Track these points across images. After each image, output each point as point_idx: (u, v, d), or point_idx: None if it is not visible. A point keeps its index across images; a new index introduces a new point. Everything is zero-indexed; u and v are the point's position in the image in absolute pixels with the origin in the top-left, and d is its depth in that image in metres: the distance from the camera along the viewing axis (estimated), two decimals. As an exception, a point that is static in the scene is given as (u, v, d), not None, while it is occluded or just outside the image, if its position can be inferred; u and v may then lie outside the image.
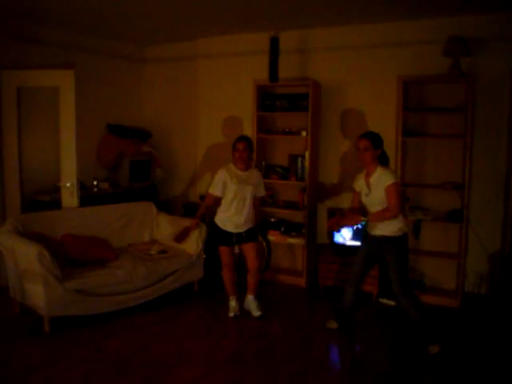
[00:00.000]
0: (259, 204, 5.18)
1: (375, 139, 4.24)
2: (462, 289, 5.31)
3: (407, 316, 4.27)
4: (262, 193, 5.09)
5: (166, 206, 6.84)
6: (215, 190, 4.89)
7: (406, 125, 5.49)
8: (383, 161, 4.29)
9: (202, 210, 5.16)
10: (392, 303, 5.33)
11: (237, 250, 5.77)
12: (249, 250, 4.98)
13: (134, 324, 4.75)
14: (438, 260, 5.54)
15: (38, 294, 4.40)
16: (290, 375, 3.83)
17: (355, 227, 5.40)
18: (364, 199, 4.38)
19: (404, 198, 5.47)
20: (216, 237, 5.02)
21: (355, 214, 4.37)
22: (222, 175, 4.88)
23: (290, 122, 6.14)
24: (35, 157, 5.99)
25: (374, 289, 5.48)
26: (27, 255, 4.42)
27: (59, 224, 5.20)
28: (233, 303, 5.04)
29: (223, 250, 4.99)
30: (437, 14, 5.24)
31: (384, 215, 4.17)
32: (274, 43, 5.81)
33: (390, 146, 5.62)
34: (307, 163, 5.85)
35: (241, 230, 4.92)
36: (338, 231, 5.56)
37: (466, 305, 5.28)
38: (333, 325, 4.72)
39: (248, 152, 4.87)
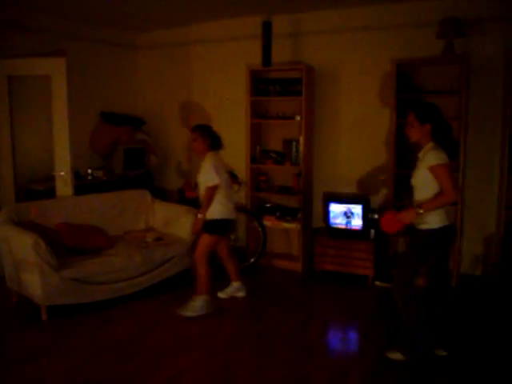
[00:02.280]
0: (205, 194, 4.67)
1: (421, 111, 3.63)
2: (457, 270, 5.33)
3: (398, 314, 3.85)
4: (207, 183, 4.62)
5: (161, 193, 6.83)
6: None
7: (400, 107, 5.46)
8: (439, 137, 3.61)
9: None
10: (388, 286, 5.35)
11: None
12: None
13: (130, 311, 4.76)
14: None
15: (35, 283, 4.40)
16: (288, 360, 3.85)
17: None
18: (411, 180, 3.75)
19: (399, 181, 5.47)
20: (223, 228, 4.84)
21: (408, 207, 3.69)
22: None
23: (284, 107, 6.12)
24: (29, 146, 5.98)
25: (370, 272, 5.49)
26: (22, 245, 4.42)
27: (54, 213, 5.18)
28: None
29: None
30: (430, -5, 5.21)
31: (439, 201, 3.47)
32: (267, 27, 5.77)
33: (385, 129, 5.64)
34: (302, 148, 5.83)
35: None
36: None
37: (461, 286, 5.31)
38: (441, 352, 3.91)
39: (197, 142, 4.69)
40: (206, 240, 4.70)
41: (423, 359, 3.75)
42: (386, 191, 5.71)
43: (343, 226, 5.66)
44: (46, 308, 4.49)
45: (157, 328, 4.42)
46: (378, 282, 5.47)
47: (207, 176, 4.61)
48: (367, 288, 5.43)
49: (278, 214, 6.17)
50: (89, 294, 4.67)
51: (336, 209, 5.66)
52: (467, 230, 5.44)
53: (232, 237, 6.12)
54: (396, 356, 3.82)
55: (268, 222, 6.14)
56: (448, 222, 3.65)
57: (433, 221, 3.56)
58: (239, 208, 6.15)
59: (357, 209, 5.54)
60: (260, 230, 6.02)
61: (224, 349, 4.05)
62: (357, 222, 5.56)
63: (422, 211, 3.49)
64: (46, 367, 3.73)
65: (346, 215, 5.61)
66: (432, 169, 3.48)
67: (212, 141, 4.74)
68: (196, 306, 4.66)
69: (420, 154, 3.67)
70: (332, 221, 5.71)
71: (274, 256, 6.28)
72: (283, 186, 6.25)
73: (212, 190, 4.60)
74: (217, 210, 4.68)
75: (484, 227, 5.41)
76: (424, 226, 3.59)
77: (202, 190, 4.69)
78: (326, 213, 5.74)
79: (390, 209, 4.33)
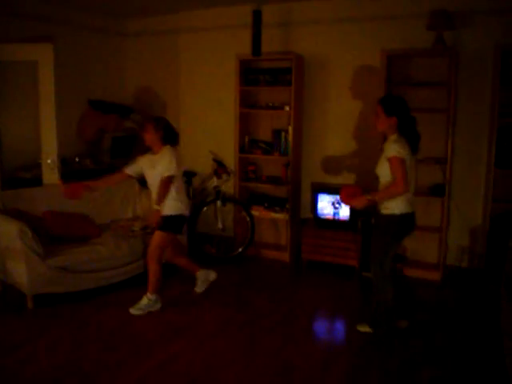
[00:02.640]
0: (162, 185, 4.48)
1: (389, 104, 3.83)
2: (443, 262, 5.38)
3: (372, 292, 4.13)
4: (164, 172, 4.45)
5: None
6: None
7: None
8: (404, 130, 3.84)
9: None
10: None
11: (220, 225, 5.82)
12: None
13: (117, 300, 4.75)
14: (420, 234, 5.57)
15: (20, 271, 4.38)
16: (274, 349, 3.87)
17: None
18: (376, 170, 4.00)
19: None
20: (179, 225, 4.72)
21: (358, 193, 3.98)
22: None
23: (274, 97, 6.10)
24: (15, 133, 5.91)
25: (357, 262, 5.52)
26: (8, 233, 4.39)
27: (41, 201, 5.14)
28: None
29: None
30: (421, -14, 5.20)
31: (389, 192, 3.77)
32: (257, 16, 5.73)
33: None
34: (290, 138, 5.83)
35: None
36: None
37: (447, 278, 5.36)
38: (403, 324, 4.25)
39: (149, 134, 4.51)
40: (159, 237, 4.52)
41: (387, 331, 4.07)
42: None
43: (331, 217, 5.67)
44: (32, 297, 4.47)
45: (144, 317, 4.41)
46: (365, 273, 5.50)
47: (167, 166, 4.41)
48: (354, 278, 5.46)
49: (266, 204, 6.17)
50: (75, 282, 4.65)
51: (324, 199, 5.67)
52: (453, 221, 5.48)
53: (220, 226, 6.12)
54: (365, 329, 4.14)
55: (256, 212, 6.14)
56: (410, 210, 3.90)
57: (395, 207, 3.82)
58: (228, 198, 6.18)
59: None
60: (248, 219, 6.02)
61: (211, 337, 4.06)
62: (344, 213, 5.58)
63: (370, 197, 3.85)
64: (32, 356, 3.71)
65: (333, 206, 5.63)
66: (390, 160, 3.73)
67: (165, 135, 4.55)
68: (143, 304, 4.51)
69: (384, 146, 3.90)
70: (320, 211, 5.72)
71: (262, 246, 6.29)
72: (272, 176, 6.24)
73: (169, 180, 4.41)
74: (172, 206, 4.50)
75: (470, 219, 5.45)
76: (386, 212, 3.87)
77: (156, 183, 4.49)
78: (314, 203, 5.75)
79: (352, 185, 4.71)
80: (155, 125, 4.53)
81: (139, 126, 6.73)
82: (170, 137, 4.58)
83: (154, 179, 4.52)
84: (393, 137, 3.84)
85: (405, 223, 3.94)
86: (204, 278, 4.90)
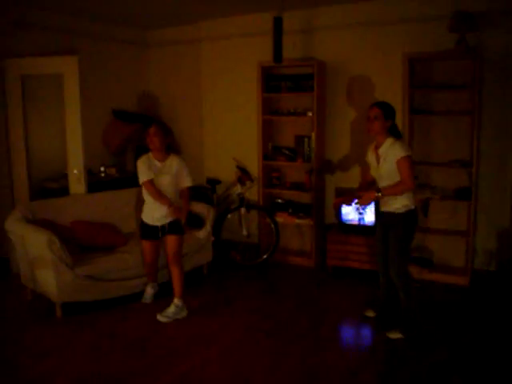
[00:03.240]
0: (186, 195, 4.71)
1: (387, 109, 4.05)
2: (471, 266, 5.30)
3: (397, 295, 4.21)
4: (186, 183, 4.68)
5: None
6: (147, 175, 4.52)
7: (413, 102, 5.44)
8: (394, 133, 4.08)
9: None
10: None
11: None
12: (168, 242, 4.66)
13: (143, 309, 4.79)
14: (446, 238, 5.53)
15: (49, 280, 4.45)
16: (301, 355, 3.86)
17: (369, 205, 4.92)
18: (373, 172, 4.20)
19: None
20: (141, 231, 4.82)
21: (368, 190, 4.17)
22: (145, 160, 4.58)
23: (296, 103, 6.11)
24: (42, 144, 6.02)
25: (383, 268, 5.47)
26: (37, 242, 4.46)
27: (68, 211, 5.22)
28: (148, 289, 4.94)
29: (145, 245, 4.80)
30: (442, -12, 5.16)
31: (397, 188, 3.94)
32: (278, 23, 5.74)
33: (398, 124, 5.61)
34: (314, 144, 5.82)
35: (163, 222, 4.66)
36: (340, 208, 5.21)
37: (475, 282, 5.27)
38: (370, 313, 4.59)
39: (160, 138, 4.49)
40: (176, 241, 4.62)
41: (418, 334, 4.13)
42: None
43: (355, 222, 5.64)
44: (61, 305, 4.53)
45: (170, 325, 4.43)
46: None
47: (188, 177, 4.67)
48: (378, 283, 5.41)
49: (290, 210, 6.17)
50: (102, 291, 4.71)
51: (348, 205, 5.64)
52: (480, 225, 5.41)
53: (244, 233, 6.14)
54: (396, 335, 4.11)
55: (280, 218, 6.14)
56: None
57: (411, 203, 4.04)
58: (252, 204, 6.19)
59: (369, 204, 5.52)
60: (272, 226, 6.02)
61: (238, 345, 4.06)
62: (369, 218, 5.54)
63: (380, 195, 3.98)
64: (62, 363, 3.77)
65: (358, 211, 5.60)
66: (402, 159, 3.90)
67: (170, 143, 4.65)
68: (171, 311, 4.53)
69: (381, 150, 4.05)
70: (344, 217, 5.69)
71: (287, 252, 6.28)
72: (296, 182, 6.23)
73: (189, 191, 4.74)
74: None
75: (497, 223, 5.36)
76: (403, 210, 4.04)
77: (168, 189, 4.57)
78: (339, 209, 5.73)
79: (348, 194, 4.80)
80: (164, 131, 4.57)
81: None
82: (175, 145, 4.58)
83: (166, 185, 4.56)
84: (390, 139, 4.03)
85: (416, 217, 4.18)
86: (177, 310, 4.56)
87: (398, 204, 4.03)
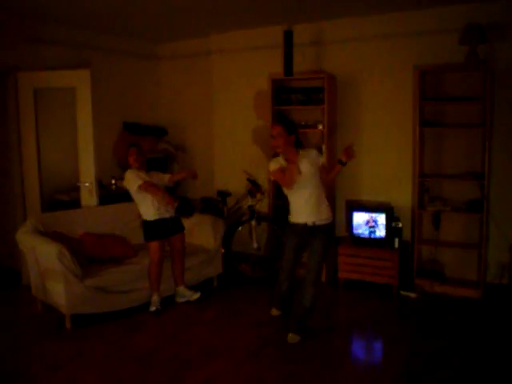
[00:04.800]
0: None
1: (289, 125, 4.24)
2: (483, 279, 5.24)
3: (297, 299, 4.36)
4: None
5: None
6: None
7: (424, 115, 5.43)
8: (298, 145, 4.32)
9: None
10: (412, 295, 5.29)
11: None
12: None
13: (153, 320, 4.78)
14: (458, 250, 5.49)
15: (59, 292, 4.46)
16: (314, 368, 3.83)
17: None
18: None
19: (423, 189, 5.43)
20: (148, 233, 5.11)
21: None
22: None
23: (306, 116, 6.11)
24: (54, 157, 6.05)
25: (395, 281, 5.43)
26: (48, 254, 4.48)
27: (79, 223, 5.25)
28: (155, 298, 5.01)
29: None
30: (452, 1, 5.15)
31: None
32: (288, 37, 5.78)
33: (408, 137, 5.60)
34: (324, 156, 5.80)
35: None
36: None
37: (488, 295, 5.21)
38: (275, 312, 4.85)
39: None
40: (183, 237, 5.24)
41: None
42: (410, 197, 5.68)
43: (367, 235, 5.62)
44: (70, 317, 4.54)
45: (179, 337, 4.42)
46: (402, 292, 5.41)
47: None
48: (392, 297, 5.37)
49: (300, 222, 6.13)
50: (113, 302, 4.71)
51: (359, 217, 5.62)
52: (492, 237, 5.36)
53: (255, 245, 6.12)
54: (294, 339, 4.26)
55: (291, 230, 6.11)
56: None
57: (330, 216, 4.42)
58: (263, 217, 6.18)
59: (380, 217, 5.50)
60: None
61: (249, 357, 4.04)
62: (380, 231, 5.51)
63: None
64: (74, 375, 3.76)
65: (369, 224, 5.57)
66: (324, 164, 4.32)
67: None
68: (182, 292, 5.20)
69: (302, 160, 4.20)
70: (355, 229, 5.67)
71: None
72: (306, 194, 6.20)
73: None
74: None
75: (510, 235, 5.31)
76: (329, 221, 4.37)
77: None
78: (349, 221, 5.71)
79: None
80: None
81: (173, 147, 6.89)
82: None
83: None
84: (303, 152, 4.29)
85: None
86: (190, 292, 5.23)
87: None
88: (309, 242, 4.37)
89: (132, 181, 4.97)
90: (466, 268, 5.53)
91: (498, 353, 4.04)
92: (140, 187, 4.92)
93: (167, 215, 5.04)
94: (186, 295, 5.18)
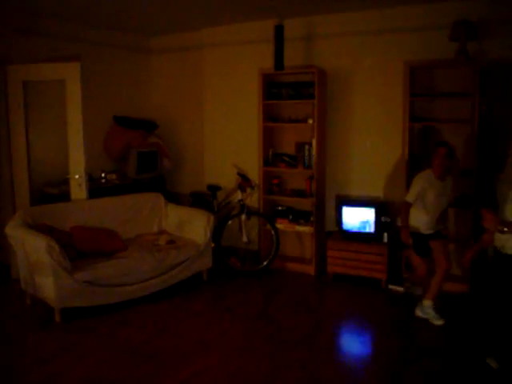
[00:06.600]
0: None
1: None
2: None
3: None
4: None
5: (174, 197, 6.86)
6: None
7: (413, 110, 5.45)
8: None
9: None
10: (400, 289, 5.33)
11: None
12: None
13: (143, 314, 4.79)
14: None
15: (48, 285, 4.45)
16: (300, 362, 3.85)
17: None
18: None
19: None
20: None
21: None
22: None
23: (297, 110, 6.12)
24: (43, 150, 6.02)
25: (383, 275, 5.46)
26: (37, 248, 4.46)
27: (68, 216, 5.24)
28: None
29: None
30: (442, -3, 5.18)
31: None
32: (279, 31, 5.78)
33: (398, 132, 5.62)
34: (314, 151, 5.83)
35: None
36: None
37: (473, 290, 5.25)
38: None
39: (448, 159, 4.67)
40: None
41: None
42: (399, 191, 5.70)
43: (356, 230, 5.64)
44: (60, 310, 4.53)
45: (170, 331, 4.44)
46: (391, 286, 5.45)
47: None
48: (380, 291, 5.41)
49: (290, 217, 6.16)
50: (101, 296, 4.70)
51: (349, 212, 5.65)
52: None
53: (244, 239, 6.13)
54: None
55: (281, 225, 6.14)
56: None
57: None
58: (252, 211, 6.19)
59: (370, 212, 5.53)
60: (273, 232, 6.02)
61: (238, 351, 4.06)
62: (370, 226, 5.54)
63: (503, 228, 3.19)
64: (64, 368, 3.77)
65: (358, 218, 5.60)
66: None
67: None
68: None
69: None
70: (345, 224, 5.69)
71: (287, 259, 6.27)
72: (296, 189, 6.24)
73: None
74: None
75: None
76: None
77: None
78: (339, 216, 5.73)
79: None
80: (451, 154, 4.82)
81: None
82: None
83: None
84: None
85: None
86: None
87: None
88: None
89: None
90: (455, 262, 5.56)
91: (485, 343, 4.08)
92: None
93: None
94: (429, 314, 4.59)
